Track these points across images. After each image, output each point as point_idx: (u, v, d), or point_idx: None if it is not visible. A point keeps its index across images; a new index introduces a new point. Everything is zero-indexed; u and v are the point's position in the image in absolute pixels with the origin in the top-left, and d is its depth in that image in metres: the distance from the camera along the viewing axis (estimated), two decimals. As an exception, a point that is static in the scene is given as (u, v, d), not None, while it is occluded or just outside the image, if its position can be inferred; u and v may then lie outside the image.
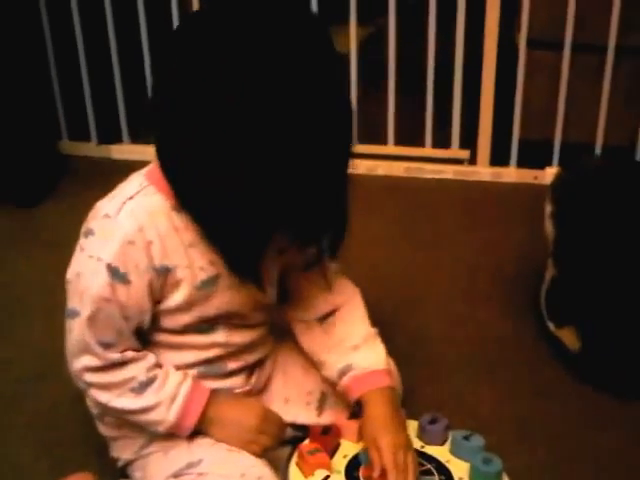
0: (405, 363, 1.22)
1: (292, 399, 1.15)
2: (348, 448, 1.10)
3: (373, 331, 1.13)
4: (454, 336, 1.46)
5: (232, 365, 1.09)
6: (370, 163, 2.16)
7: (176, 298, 0.98)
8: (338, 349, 1.10)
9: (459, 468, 1.07)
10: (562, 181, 1.52)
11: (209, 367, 1.07)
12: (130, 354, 0.99)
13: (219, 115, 0.86)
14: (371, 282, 1.25)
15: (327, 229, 0.98)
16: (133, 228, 0.94)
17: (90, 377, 1.00)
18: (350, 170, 0.97)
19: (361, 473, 1.05)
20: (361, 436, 1.10)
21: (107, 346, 0.97)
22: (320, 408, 1.16)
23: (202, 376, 1.07)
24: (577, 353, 1.35)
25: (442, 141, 2.16)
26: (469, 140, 2.14)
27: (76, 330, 0.97)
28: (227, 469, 0.99)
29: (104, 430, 1.10)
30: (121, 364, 0.99)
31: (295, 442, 1.12)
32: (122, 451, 1.08)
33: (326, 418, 1.15)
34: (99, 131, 2.24)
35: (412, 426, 1.14)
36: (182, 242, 0.96)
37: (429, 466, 1.07)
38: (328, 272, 1.12)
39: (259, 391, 1.14)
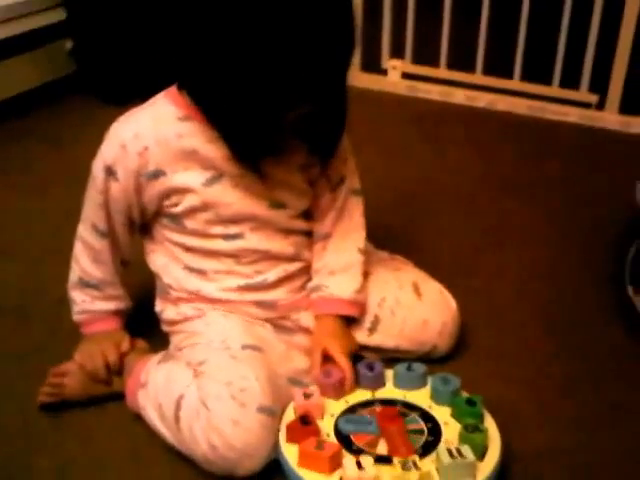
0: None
1: None
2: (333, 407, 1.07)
3: (357, 261, 1.19)
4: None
5: (271, 276, 1.14)
6: (491, 97, 2.09)
7: (189, 199, 1.09)
8: (321, 270, 1.18)
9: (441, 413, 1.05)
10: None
11: (249, 280, 1.13)
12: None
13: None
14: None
15: (329, 131, 1.06)
16: (129, 135, 1.08)
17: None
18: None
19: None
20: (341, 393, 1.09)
21: (97, 231, 1.15)
22: (371, 330, 1.19)
23: (245, 288, 1.13)
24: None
25: (570, 82, 2.06)
26: (599, 84, 2.02)
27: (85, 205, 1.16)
28: (219, 375, 1.03)
29: (164, 327, 1.21)
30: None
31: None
32: (173, 342, 1.18)
33: (376, 339, 1.19)
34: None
35: (389, 374, 1.12)
36: (184, 148, 1.07)
37: (413, 415, 1.04)
38: (340, 195, 1.18)
39: (305, 308, 1.19)
